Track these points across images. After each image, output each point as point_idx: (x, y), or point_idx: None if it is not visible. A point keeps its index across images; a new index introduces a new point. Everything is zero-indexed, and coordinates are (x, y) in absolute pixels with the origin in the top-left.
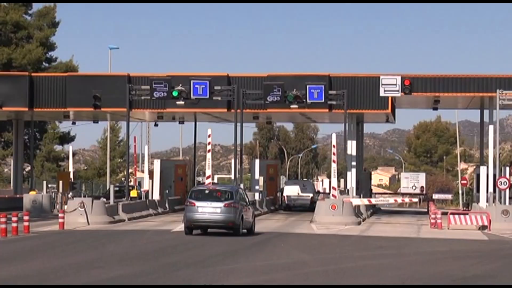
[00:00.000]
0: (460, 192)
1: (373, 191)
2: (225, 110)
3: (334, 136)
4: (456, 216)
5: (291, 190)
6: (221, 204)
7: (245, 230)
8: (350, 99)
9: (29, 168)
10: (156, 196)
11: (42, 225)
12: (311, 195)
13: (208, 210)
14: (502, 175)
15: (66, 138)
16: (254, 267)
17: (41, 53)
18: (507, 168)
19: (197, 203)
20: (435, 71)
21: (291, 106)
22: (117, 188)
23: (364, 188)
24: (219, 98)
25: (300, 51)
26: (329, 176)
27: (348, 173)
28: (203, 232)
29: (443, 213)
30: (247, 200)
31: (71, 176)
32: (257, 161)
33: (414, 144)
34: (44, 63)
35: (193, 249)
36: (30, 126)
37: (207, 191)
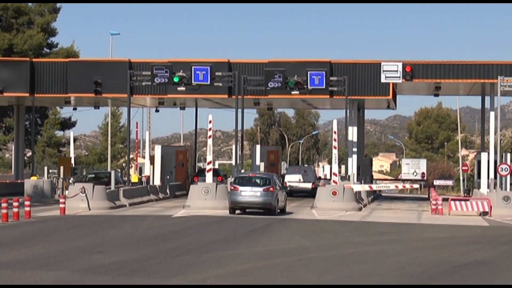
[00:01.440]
0: (461, 178)
1: (374, 177)
2: (226, 96)
3: (335, 122)
4: (457, 202)
5: (293, 178)
6: (260, 189)
7: (278, 210)
8: (351, 85)
9: (30, 153)
10: (157, 181)
11: (43, 210)
12: (312, 181)
13: (249, 194)
14: (503, 161)
15: (67, 124)
16: (254, 252)
17: (42, 38)
18: (508, 154)
19: (240, 188)
20: (436, 58)
21: (292, 92)
22: (92, 175)
23: (365, 174)
24: (220, 84)
25: (301, 37)
26: (330, 162)
27: (349, 159)
28: (242, 212)
29: (444, 199)
30: (279, 185)
31: (72, 161)
32: (258, 147)
33: (415, 130)
34: (45, 48)
35: (194, 234)
36: (31, 111)
37: (248, 178)
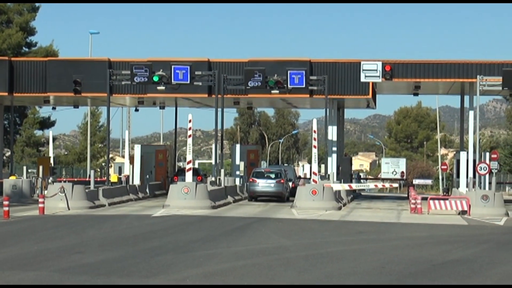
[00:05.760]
0: (440, 177)
1: (361, 176)
2: (206, 95)
3: (315, 121)
4: (436, 201)
5: None
6: (274, 181)
7: (286, 198)
8: (331, 84)
9: (9, 153)
10: (136, 181)
11: (22, 210)
12: (292, 180)
13: (265, 185)
14: (482, 160)
15: (46, 123)
16: (234, 252)
17: (21, 37)
18: (487, 154)
19: (257, 180)
20: (416, 57)
21: (272, 91)
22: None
23: (344, 173)
24: (200, 83)
25: (281, 36)
26: (310, 162)
27: (329, 159)
28: (255, 200)
29: (423, 198)
30: (287, 178)
31: (51, 161)
32: (238, 146)
33: (394, 129)
34: (24, 47)
35: (173, 234)
36: (10, 111)
37: (263, 172)
